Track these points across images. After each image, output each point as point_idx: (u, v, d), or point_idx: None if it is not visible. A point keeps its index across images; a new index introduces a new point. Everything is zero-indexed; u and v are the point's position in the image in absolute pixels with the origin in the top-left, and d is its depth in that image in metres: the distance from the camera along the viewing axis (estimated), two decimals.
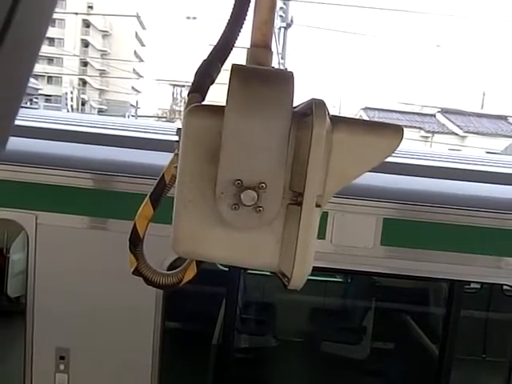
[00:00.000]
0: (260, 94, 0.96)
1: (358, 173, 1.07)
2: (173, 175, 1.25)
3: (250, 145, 0.96)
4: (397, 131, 1.05)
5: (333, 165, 1.02)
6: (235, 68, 0.99)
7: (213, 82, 1.23)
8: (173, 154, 1.22)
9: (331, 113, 1.01)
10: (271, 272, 1.08)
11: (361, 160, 1.04)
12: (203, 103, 1.12)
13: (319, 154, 0.95)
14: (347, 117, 1.09)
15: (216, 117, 0.98)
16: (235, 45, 1.24)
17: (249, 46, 1.16)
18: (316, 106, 0.95)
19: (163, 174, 1.29)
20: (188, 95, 1.18)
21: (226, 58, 1.23)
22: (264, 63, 1.12)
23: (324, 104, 0.97)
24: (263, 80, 0.99)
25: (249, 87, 0.97)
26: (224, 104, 0.97)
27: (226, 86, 0.98)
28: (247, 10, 1.21)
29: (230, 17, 1.22)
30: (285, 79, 0.99)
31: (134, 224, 1.28)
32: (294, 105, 1.02)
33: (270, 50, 1.15)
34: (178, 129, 1.06)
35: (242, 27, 1.23)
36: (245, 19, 1.22)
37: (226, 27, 1.22)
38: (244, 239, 1.01)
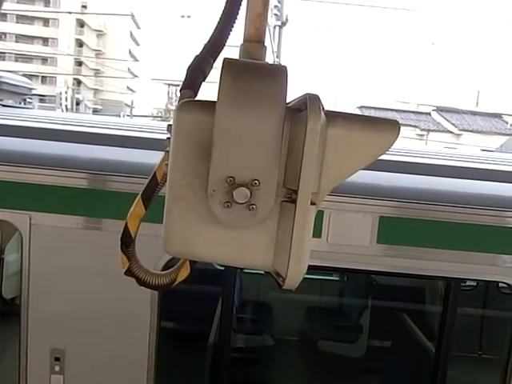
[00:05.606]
0: (252, 89, 0.93)
1: (354, 169, 1.04)
2: (164, 173, 1.22)
3: (243, 141, 0.93)
4: (393, 126, 1.02)
5: (328, 161, 0.99)
6: (227, 62, 0.96)
7: (205, 78, 1.20)
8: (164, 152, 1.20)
9: (326, 108, 0.98)
10: (265, 271, 1.06)
11: (357, 156, 1.01)
12: (195, 99, 1.09)
13: (314, 150, 0.92)
14: (342, 112, 1.05)
15: (207, 112, 0.95)
16: (228, 40, 1.22)
17: (242, 42, 1.14)
18: (310, 101, 0.93)
19: (155, 172, 1.26)
20: (180, 91, 1.16)
21: (219, 54, 1.21)
22: (257, 58, 1.09)
23: (318, 98, 0.94)
24: (255, 74, 0.96)
25: (241, 81, 0.94)
26: (216, 99, 0.95)
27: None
28: (240, 6, 1.19)
29: (223, 12, 1.20)
30: (278, 73, 0.96)
31: (126, 224, 1.26)
32: (288, 100, 1.00)
33: (264, 44, 1.13)
34: (169, 125, 1.04)
35: (235, 23, 1.21)
36: (238, 14, 1.20)
37: (219, 22, 1.20)
38: (237, 238, 0.99)
